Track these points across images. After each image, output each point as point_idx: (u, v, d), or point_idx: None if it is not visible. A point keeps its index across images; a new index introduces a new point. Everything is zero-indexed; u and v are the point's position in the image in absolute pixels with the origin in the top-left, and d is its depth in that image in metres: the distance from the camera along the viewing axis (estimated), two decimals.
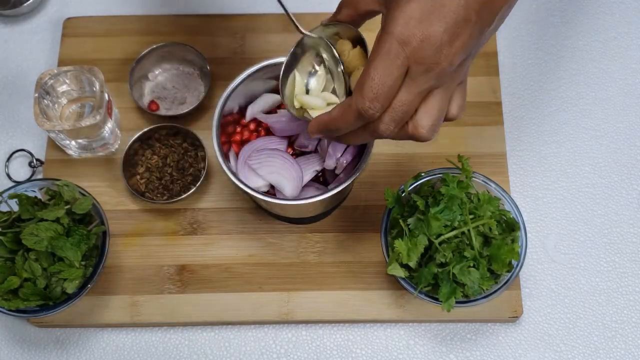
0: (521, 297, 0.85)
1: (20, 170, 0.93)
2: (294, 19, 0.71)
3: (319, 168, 0.81)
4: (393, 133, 0.63)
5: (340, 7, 0.69)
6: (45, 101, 0.86)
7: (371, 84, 0.60)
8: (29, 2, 0.99)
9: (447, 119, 0.65)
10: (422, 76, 0.60)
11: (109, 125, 0.88)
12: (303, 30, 0.71)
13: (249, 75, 0.80)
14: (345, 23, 0.69)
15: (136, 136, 0.89)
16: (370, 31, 0.68)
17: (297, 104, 0.73)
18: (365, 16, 0.68)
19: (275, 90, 0.84)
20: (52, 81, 0.86)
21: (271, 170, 0.79)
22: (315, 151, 0.82)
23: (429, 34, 0.58)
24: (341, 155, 0.79)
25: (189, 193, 0.87)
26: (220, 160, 0.77)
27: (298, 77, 0.73)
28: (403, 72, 0.59)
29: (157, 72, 0.96)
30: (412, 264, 0.76)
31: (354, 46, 0.70)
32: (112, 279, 0.86)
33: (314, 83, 0.73)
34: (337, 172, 0.81)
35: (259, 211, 0.89)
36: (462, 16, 0.58)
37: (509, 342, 0.85)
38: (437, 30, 0.58)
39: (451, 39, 0.59)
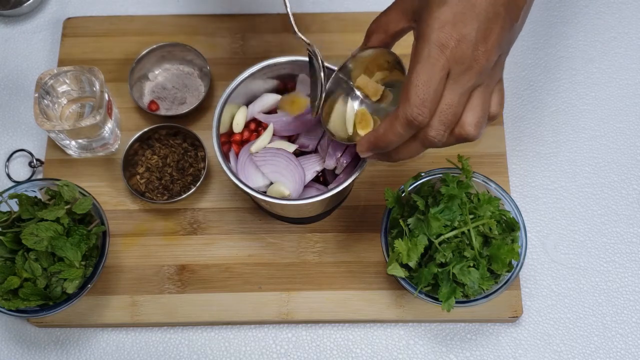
0: (521, 297, 0.85)
1: (20, 170, 0.93)
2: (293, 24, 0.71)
3: (319, 168, 0.81)
4: (444, 138, 0.63)
5: (369, 34, 0.70)
6: (45, 101, 0.86)
7: (416, 90, 0.60)
8: (29, 2, 0.99)
9: (490, 117, 0.66)
10: (464, 76, 0.61)
11: (109, 125, 0.88)
12: (299, 34, 0.71)
13: (249, 75, 0.80)
14: (379, 47, 0.70)
15: (136, 136, 0.89)
16: None
17: (350, 130, 0.74)
18: (396, 37, 0.69)
19: (275, 90, 0.84)
20: (52, 81, 0.86)
21: (274, 169, 0.79)
22: (316, 151, 0.82)
23: (464, 35, 0.60)
24: (341, 155, 0.79)
25: (189, 193, 0.87)
26: (220, 160, 0.77)
27: (350, 104, 0.75)
28: (445, 74, 0.61)
29: (157, 72, 0.96)
30: (412, 264, 0.76)
31: (391, 70, 0.72)
32: (112, 279, 0.86)
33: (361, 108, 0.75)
34: (337, 172, 0.81)
35: (259, 211, 0.89)
36: (493, 12, 0.60)
37: (509, 342, 0.85)
38: (472, 29, 0.60)
39: (485, 35, 0.60)
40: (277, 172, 0.79)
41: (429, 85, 0.60)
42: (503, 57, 0.64)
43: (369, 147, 0.68)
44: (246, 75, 0.80)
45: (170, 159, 0.90)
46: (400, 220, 0.78)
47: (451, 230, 0.76)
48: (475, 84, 0.62)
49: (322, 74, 0.72)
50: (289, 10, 0.71)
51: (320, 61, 0.71)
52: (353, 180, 0.76)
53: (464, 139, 0.64)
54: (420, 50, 0.61)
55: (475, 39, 0.60)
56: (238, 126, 0.83)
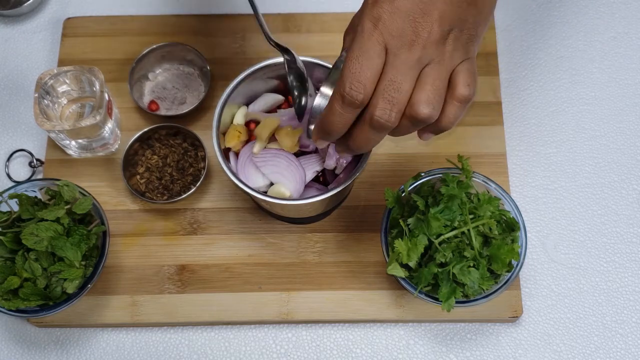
0: (521, 297, 0.85)
1: (20, 170, 0.93)
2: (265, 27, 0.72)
3: (319, 168, 0.81)
4: (392, 118, 0.60)
5: (344, 37, 0.69)
6: (45, 101, 0.86)
7: (349, 65, 0.60)
8: (29, 2, 0.99)
9: (458, 99, 0.62)
10: (405, 51, 0.59)
11: (109, 125, 0.88)
12: (271, 37, 0.71)
13: (249, 75, 0.80)
14: None
15: (136, 136, 0.89)
16: None
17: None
18: None
19: (275, 90, 0.84)
20: (52, 81, 0.86)
21: (274, 170, 0.79)
22: (316, 151, 0.82)
23: (398, 7, 0.59)
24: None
25: (189, 193, 0.87)
26: (220, 160, 0.77)
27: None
28: (380, 49, 0.59)
29: (157, 72, 0.96)
30: (412, 264, 0.76)
31: None
32: (112, 279, 0.86)
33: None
34: (337, 172, 0.81)
35: (259, 211, 0.89)
36: None
37: (509, 342, 0.85)
38: (407, 2, 0.59)
39: (424, 8, 0.59)
40: (277, 173, 0.79)
41: (361, 59, 0.59)
42: (457, 34, 0.61)
43: (317, 133, 0.66)
44: (246, 75, 0.80)
45: (170, 159, 0.90)
46: (400, 220, 0.78)
47: (451, 230, 0.76)
48: (423, 61, 0.60)
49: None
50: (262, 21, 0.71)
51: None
52: (353, 180, 0.76)
53: (417, 119, 0.61)
54: (356, 27, 0.60)
55: (410, 11, 0.58)
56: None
